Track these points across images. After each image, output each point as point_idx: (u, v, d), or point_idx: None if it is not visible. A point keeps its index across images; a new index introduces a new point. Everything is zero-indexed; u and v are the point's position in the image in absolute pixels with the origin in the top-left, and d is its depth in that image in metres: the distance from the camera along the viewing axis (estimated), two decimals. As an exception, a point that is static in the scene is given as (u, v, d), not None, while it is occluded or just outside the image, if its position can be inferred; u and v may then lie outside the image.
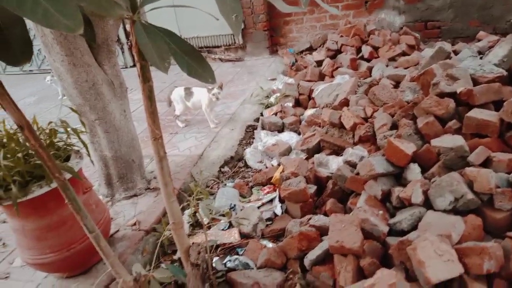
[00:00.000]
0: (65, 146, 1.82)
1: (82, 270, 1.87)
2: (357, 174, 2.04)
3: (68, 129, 1.80)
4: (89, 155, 1.93)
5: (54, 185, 1.59)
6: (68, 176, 1.60)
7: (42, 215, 1.65)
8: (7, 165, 1.48)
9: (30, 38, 0.75)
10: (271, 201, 2.36)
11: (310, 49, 4.92)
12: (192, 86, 3.47)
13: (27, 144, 1.58)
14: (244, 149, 3.08)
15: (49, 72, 5.00)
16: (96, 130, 2.30)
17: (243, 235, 2.10)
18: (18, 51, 0.74)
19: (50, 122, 1.78)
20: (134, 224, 2.18)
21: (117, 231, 2.14)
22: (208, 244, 1.57)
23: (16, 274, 1.96)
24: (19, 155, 1.54)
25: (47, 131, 1.75)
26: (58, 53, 2.05)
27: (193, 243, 1.54)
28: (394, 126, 2.26)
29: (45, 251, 1.68)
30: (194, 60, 0.94)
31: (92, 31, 1.93)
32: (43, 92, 5.26)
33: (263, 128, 3.32)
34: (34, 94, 5.32)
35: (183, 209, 2.25)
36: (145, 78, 1.22)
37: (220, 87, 3.33)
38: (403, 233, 1.60)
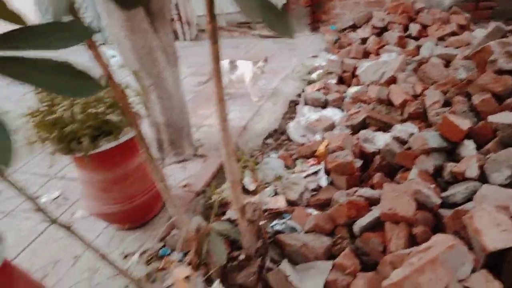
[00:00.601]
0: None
1: (140, 223, 2.00)
2: (408, 149, 2.04)
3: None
4: (148, 116, 2.02)
5: (121, 140, 1.70)
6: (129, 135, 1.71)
7: (109, 168, 1.77)
8: (80, 119, 1.59)
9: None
10: (315, 173, 2.39)
11: (353, 27, 4.80)
12: (236, 60, 3.50)
13: (104, 100, 1.69)
14: (287, 123, 3.11)
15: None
16: (150, 96, 2.39)
17: (289, 203, 2.15)
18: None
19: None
20: (185, 186, 2.28)
21: (169, 191, 2.25)
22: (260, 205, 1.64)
23: (77, 225, 2.12)
24: (90, 110, 1.65)
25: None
26: (118, 19, 2.14)
27: (247, 202, 1.61)
28: (447, 104, 2.23)
29: (110, 202, 1.81)
30: (275, 15, 0.98)
31: None
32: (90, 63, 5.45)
33: (305, 104, 3.33)
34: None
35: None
36: (215, 40, 1.27)
37: (265, 61, 3.35)
38: (455, 206, 1.60)
